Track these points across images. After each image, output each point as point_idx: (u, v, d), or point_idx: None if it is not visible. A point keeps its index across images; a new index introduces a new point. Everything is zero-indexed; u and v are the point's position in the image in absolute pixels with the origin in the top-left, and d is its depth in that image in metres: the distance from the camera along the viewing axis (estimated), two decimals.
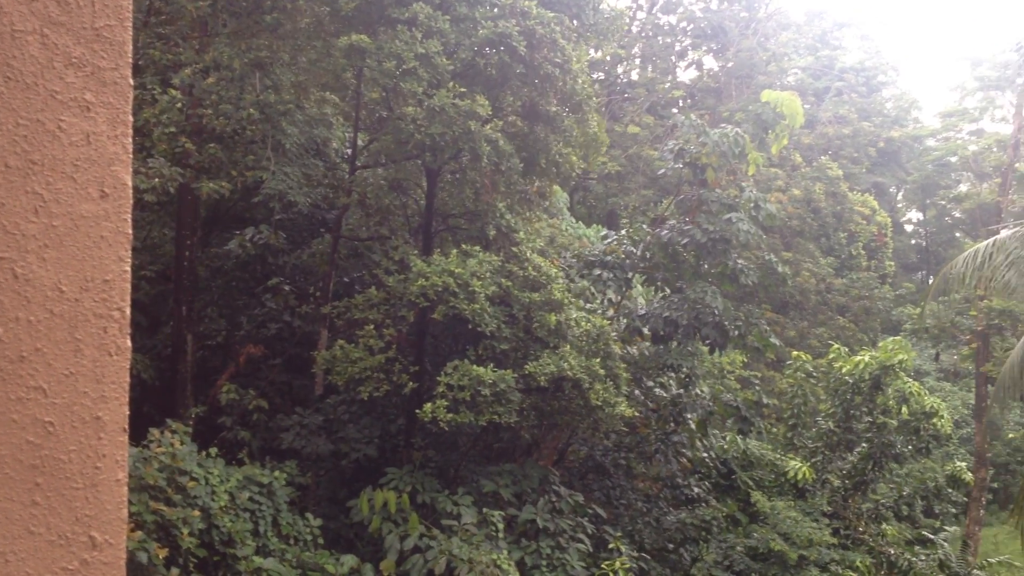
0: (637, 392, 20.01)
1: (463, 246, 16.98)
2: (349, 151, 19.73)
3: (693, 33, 35.97)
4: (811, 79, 41.46)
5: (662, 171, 23.12)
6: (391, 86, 16.21)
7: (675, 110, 36.88)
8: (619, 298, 21.51)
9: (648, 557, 18.18)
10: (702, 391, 21.05)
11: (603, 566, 16.53)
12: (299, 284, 20.35)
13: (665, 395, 20.48)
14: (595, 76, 34.89)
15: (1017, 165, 35.09)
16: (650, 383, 20.59)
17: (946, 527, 25.47)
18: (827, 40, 44.05)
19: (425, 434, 17.64)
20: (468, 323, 16.25)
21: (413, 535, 15.28)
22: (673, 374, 20.58)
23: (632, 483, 20.55)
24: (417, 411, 15.96)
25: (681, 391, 20.46)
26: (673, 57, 36.67)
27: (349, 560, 14.70)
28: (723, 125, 21.80)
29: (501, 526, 15.91)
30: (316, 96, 18.66)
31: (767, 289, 23.04)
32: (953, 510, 25.38)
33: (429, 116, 15.58)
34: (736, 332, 19.93)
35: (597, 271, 20.73)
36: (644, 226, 21.90)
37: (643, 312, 20.63)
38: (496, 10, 16.75)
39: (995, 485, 30.32)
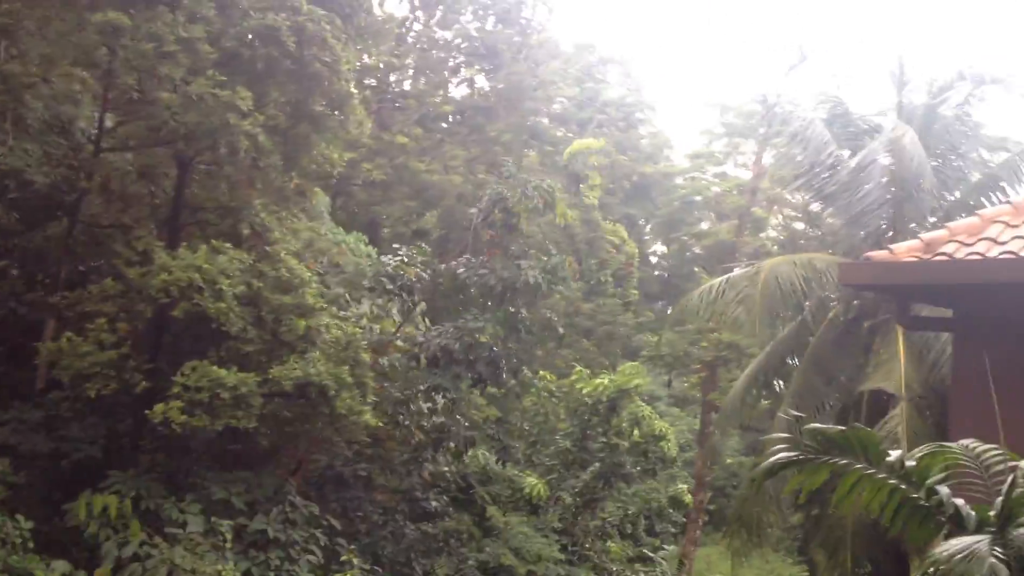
0: (397, 410, 19.74)
1: (213, 242, 16.35)
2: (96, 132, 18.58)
3: (467, 51, 36.38)
4: (576, 109, 42.99)
5: (474, 209, 22.84)
6: (147, 68, 15.43)
7: (445, 124, 37.20)
8: (402, 319, 21.38)
9: (380, 570, 18.13)
10: (461, 416, 21.04)
11: None
12: (29, 269, 18.89)
13: (425, 411, 20.23)
14: (367, 82, 34.66)
15: (753, 209, 37.75)
16: (408, 402, 20.27)
17: (665, 546, 26.94)
18: (592, 73, 45.86)
19: (156, 436, 16.81)
20: (212, 322, 15.65)
21: (133, 542, 14.51)
22: (440, 398, 20.45)
23: (371, 495, 20.43)
24: (148, 412, 15.21)
25: (443, 419, 20.32)
26: (446, 72, 36.96)
27: (61, 566, 13.79)
28: (540, 179, 22.38)
29: (229, 536, 15.39)
30: (64, 71, 17.44)
31: (542, 340, 23.53)
32: (673, 530, 26.93)
33: (185, 104, 14.96)
34: (508, 372, 20.29)
35: (388, 286, 20.42)
36: (429, 249, 21.84)
37: (421, 339, 20.49)
38: (265, 1, 16.31)
39: (712, 507, 32.35)
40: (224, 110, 14.91)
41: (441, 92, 36.52)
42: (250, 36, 15.93)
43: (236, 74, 15.95)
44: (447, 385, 19.86)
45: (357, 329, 18.30)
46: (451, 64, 37.29)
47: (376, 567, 17.95)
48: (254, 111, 15.73)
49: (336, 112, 17.52)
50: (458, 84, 38.09)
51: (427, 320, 22.73)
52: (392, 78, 36.42)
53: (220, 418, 15.05)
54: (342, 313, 20.01)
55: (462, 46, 36.90)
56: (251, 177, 16.47)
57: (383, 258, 21.40)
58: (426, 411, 20.14)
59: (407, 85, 37.11)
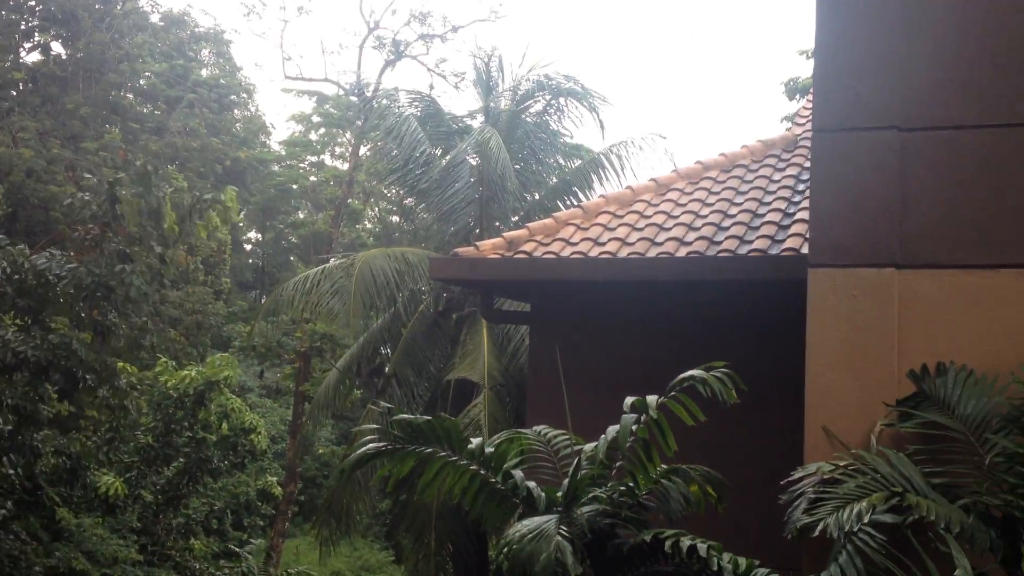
0: None
1: None
2: None
3: (42, 15, 33.22)
4: (164, 86, 40.77)
5: (70, 200, 20.08)
6: None
7: (14, 92, 33.70)
8: None
9: None
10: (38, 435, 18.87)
11: None
12: None
13: None
14: None
15: (350, 200, 38.17)
16: None
17: (253, 540, 26.40)
18: (184, 51, 43.79)
19: None
20: None
21: None
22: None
23: None
24: None
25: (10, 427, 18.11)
26: (17, 36, 33.52)
27: None
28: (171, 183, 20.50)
29: None
30: None
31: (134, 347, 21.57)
32: (261, 522, 26.47)
33: None
34: (91, 384, 18.46)
35: None
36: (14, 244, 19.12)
37: None
38: None
39: (302, 498, 32.26)
40: None
41: (11, 57, 33.06)
42: None
43: None
44: (20, 402, 17.87)
45: None
46: (23, 28, 33.93)
47: None
48: None
49: None
50: (31, 50, 34.74)
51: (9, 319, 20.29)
52: None
53: None
54: None
55: (36, 9, 33.71)
56: None
57: None
58: None
59: None
